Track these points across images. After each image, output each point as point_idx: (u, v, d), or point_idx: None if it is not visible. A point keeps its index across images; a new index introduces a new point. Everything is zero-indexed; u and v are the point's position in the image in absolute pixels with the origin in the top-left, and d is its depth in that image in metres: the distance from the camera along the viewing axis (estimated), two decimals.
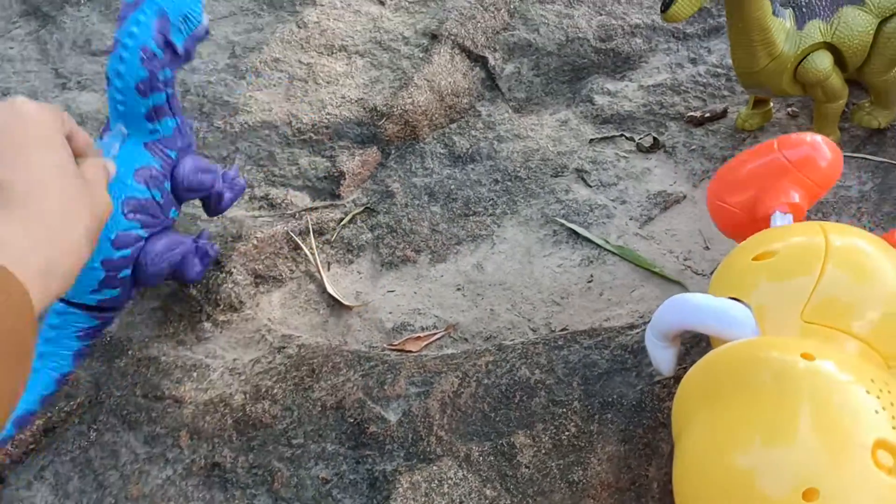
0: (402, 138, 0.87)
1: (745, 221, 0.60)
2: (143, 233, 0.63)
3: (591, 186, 0.82)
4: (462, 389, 0.65)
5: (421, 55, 0.90)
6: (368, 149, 0.87)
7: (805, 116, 0.84)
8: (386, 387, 0.66)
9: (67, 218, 0.37)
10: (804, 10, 0.72)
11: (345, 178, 0.85)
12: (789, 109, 0.85)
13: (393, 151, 0.87)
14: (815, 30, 0.71)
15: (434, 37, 0.91)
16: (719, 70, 0.89)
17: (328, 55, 0.94)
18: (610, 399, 0.62)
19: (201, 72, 0.96)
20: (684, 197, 0.79)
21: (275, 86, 0.94)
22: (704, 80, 0.88)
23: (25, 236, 0.34)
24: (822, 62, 0.72)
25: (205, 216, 0.76)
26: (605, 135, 0.86)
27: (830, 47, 0.72)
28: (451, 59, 0.90)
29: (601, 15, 0.93)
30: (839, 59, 0.73)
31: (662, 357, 0.59)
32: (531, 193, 0.82)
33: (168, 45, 0.61)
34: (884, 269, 0.52)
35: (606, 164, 0.83)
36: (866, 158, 0.78)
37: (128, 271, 0.63)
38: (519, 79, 0.91)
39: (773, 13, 0.70)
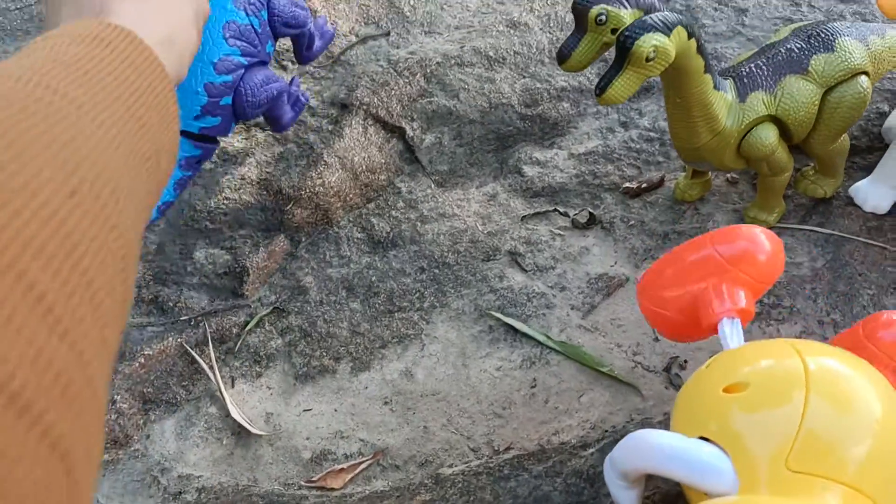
0: (314, 224, 0.77)
1: (688, 326, 0.53)
2: (243, 60, 0.64)
3: (526, 271, 0.74)
4: None
5: (330, 127, 0.80)
6: (275, 238, 0.76)
7: (745, 183, 0.79)
8: None
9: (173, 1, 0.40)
10: (745, 80, 0.66)
11: (248, 274, 0.74)
12: (728, 176, 0.79)
13: (303, 239, 0.77)
14: (759, 102, 0.66)
15: (344, 106, 0.82)
16: (652, 134, 0.83)
17: None
18: None
19: None
20: (627, 279, 0.73)
21: None
22: (637, 146, 0.82)
23: (139, 12, 0.37)
24: (768, 136, 0.66)
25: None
26: (538, 210, 0.79)
27: (775, 119, 0.67)
28: (364, 131, 0.81)
29: (524, 77, 0.86)
30: (784, 131, 0.68)
31: (624, 497, 0.51)
32: (462, 282, 0.74)
33: None
34: (867, 396, 0.45)
35: (541, 244, 0.76)
36: (814, 230, 0.73)
37: (228, 99, 0.64)
38: (440, 150, 0.83)
39: (714, 87, 0.64)
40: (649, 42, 0.56)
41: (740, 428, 0.45)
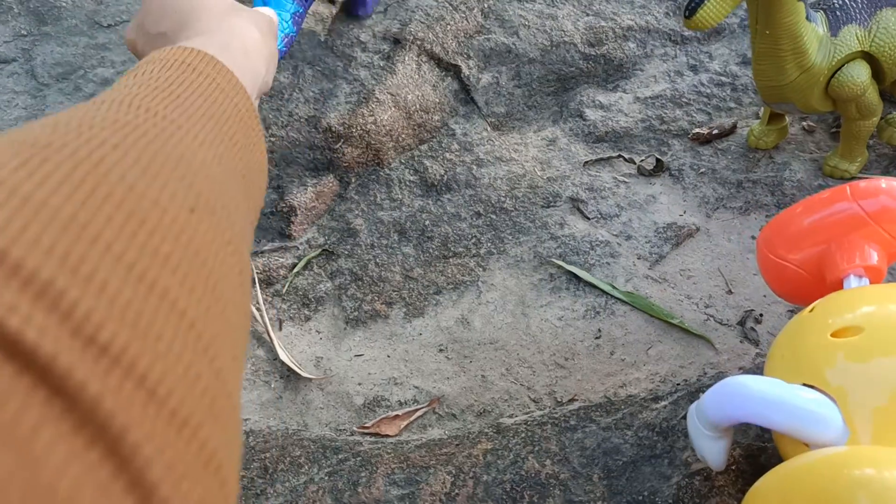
0: (364, 164, 0.74)
1: (810, 283, 0.49)
2: None
3: (589, 219, 0.70)
4: (456, 490, 0.52)
5: (382, 63, 0.76)
6: (323, 177, 0.73)
7: (822, 132, 0.74)
8: (360, 489, 0.53)
9: (242, 32, 0.42)
10: (838, 13, 0.61)
11: (296, 214, 0.71)
12: (804, 124, 0.74)
13: (353, 180, 0.73)
14: (852, 37, 0.61)
15: (396, 41, 0.77)
16: (723, 78, 0.78)
17: None
18: (640, 497, 0.50)
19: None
20: (697, 229, 0.68)
21: None
22: (708, 91, 0.77)
23: (218, 40, 0.39)
24: (860, 74, 0.61)
25: None
26: (601, 156, 0.74)
27: (868, 57, 0.62)
28: (417, 67, 0.77)
29: (588, 15, 0.81)
30: (876, 70, 0.63)
31: (711, 449, 0.47)
32: (520, 228, 0.70)
33: None
34: None
35: (605, 190, 0.72)
36: None
37: None
38: (497, 90, 0.78)
39: (806, 17, 0.59)
40: None
41: (851, 375, 0.41)
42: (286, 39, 0.67)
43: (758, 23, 0.59)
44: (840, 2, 0.62)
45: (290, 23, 0.67)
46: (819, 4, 0.62)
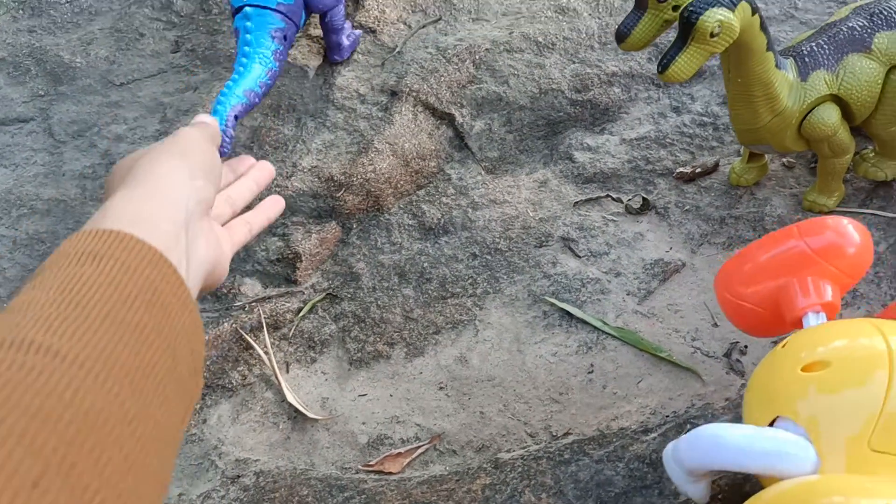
0: (365, 210, 0.77)
1: (768, 319, 0.52)
2: None
3: (580, 257, 0.73)
4: None
5: (380, 114, 0.80)
6: (326, 224, 0.76)
7: (802, 167, 0.77)
8: None
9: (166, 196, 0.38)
10: (807, 59, 0.65)
11: (301, 260, 0.74)
12: (784, 160, 0.78)
13: (355, 226, 0.77)
14: (821, 81, 0.65)
15: (393, 93, 0.81)
16: (705, 119, 0.81)
17: (274, 116, 0.83)
18: None
19: (127, 140, 0.84)
20: (683, 265, 0.71)
21: None
22: (691, 131, 0.81)
23: (145, 211, 0.36)
24: (830, 116, 0.65)
25: None
26: (590, 196, 0.78)
27: (837, 99, 0.66)
28: (413, 117, 0.81)
29: (574, 63, 0.85)
30: (846, 111, 0.67)
31: (692, 490, 0.50)
32: (514, 268, 0.73)
33: None
34: None
35: (594, 229, 0.75)
36: (875, 214, 0.71)
37: None
38: (490, 136, 0.82)
39: (776, 65, 0.62)
40: (714, 17, 0.55)
41: (820, 408, 0.44)
42: (269, 73, 0.75)
43: (730, 72, 0.63)
44: (808, 49, 0.65)
45: (271, 58, 0.75)
46: (789, 52, 0.66)
